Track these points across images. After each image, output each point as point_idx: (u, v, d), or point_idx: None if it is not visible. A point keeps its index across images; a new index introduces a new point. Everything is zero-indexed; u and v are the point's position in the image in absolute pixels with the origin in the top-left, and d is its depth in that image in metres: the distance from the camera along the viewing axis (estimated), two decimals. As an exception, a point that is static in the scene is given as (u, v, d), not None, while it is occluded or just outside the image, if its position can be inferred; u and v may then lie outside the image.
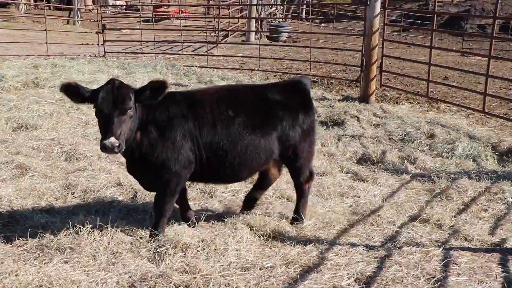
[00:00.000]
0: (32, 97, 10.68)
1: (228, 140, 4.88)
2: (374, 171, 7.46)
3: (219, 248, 4.77)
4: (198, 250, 4.71)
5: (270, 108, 5.15)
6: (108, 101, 4.25)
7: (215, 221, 5.46)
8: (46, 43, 17.33)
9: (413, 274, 4.43)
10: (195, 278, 4.18)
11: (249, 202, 5.74)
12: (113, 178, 6.48)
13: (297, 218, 5.49)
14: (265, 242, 5.13)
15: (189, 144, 4.75)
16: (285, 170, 5.76)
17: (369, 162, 7.84)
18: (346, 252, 4.90)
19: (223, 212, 5.76)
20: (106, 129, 4.19)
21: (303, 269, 4.51)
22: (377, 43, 11.71)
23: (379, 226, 5.61)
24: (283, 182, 6.73)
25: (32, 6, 34.11)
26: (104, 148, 4.13)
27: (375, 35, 11.59)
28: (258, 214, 5.52)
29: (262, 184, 5.71)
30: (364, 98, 11.59)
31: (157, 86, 4.46)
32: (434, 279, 4.39)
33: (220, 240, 4.89)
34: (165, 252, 4.60)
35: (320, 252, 4.86)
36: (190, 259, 4.56)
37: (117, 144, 4.14)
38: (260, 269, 4.47)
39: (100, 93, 4.30)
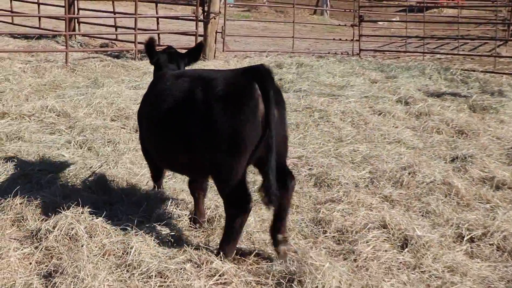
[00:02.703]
0: (275, 103, 10.95)
1: (146, 132, 5.83)
2: None
3: None
4: None
5: (179, 100, 5.20)
6: None
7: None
8: (293, 37, 17.96)
9: None
10: None
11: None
12: (376, 217, 6.14)
13: (218, 252, 5.11)
14: None
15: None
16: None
17: None
18: None
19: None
20: None
21: None
22: None
23: None
24: None
25: (276, -7, 36.24)
26: None
27: None
28: None
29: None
30: None
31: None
32: None
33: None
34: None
35: None
36: None
37: None
38: None
39: None
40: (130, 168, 7.43)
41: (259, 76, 4.73)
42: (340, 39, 20.35)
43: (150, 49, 6.14)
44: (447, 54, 18.48)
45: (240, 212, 4.93)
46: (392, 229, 5.90)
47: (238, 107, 4.71)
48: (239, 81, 4.82)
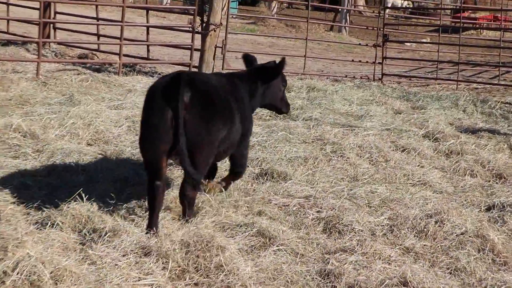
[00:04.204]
0: (280, 132, 11.05)
1: None
2: None
3: None
4: None
5: None
6: None
7: None
8: (305, 56, 18.09)
9: None
10: None
11: None
12: (395, 272, 6.16)
13: None
14: None
15: None
16: None
17: None
18: None
19: None
20: None
21: None
22: None
23: None
24: None
25: (285, 4, 36.48)
26: None
27: None
28: None
29: None
30: None
31: None
32: None
33: None
34: None
35: None
36: None
37: None
38: None
39: None
40: (107, 202, 7.41)
41: (173, 81, 6.59)
42: (359, 61, 20.47)
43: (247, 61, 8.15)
44: (486, 83, 18.57)
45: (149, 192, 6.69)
46: (414, 287, 5.90)
47: (151, 104, 6.68)
48: (161, 84, 6.77)
